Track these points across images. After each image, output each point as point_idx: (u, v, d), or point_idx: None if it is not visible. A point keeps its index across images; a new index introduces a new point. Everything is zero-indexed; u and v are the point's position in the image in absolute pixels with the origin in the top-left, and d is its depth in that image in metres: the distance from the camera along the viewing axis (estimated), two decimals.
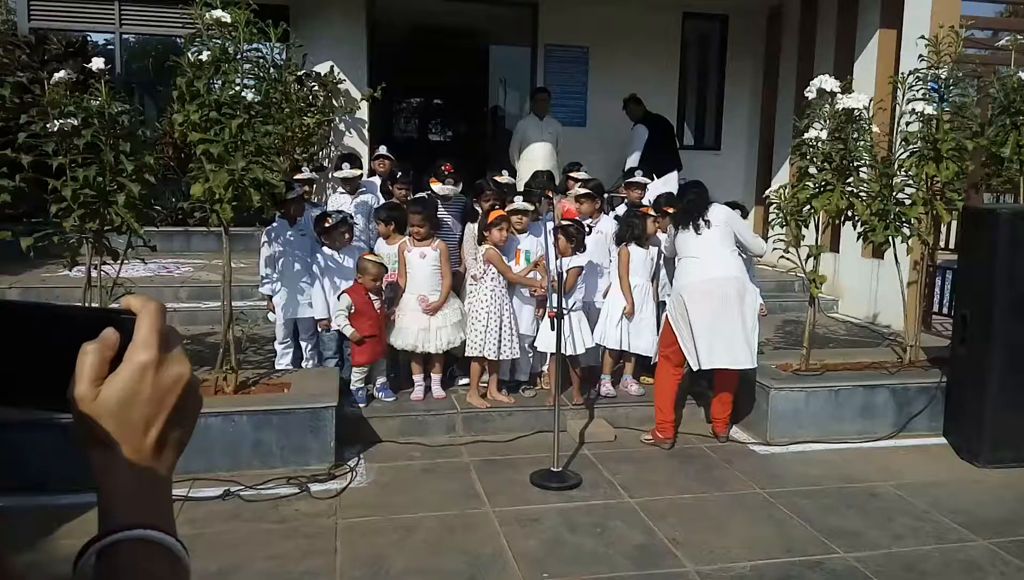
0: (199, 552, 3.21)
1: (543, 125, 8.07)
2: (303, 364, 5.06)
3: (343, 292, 4.66)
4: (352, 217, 5.19)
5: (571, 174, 6.18)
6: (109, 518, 0.59)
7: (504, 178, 5.56)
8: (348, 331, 4.60)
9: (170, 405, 0.61)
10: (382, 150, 6.31)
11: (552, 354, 4.54)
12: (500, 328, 4.70)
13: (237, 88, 3.79)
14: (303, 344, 5.08)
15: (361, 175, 5.79)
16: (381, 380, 4.80)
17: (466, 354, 4.78)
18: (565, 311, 4.21)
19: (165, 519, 0.61)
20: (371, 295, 4.64)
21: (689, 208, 4.61)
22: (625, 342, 4.95)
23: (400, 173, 5.70)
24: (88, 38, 9.01)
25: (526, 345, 5.01)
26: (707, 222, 4.51)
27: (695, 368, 4.47)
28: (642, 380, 5.18)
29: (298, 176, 5.28)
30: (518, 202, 4.91)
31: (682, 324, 4.43)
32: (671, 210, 4.93)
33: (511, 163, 8.05)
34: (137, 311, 0.61)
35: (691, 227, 4.51)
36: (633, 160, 7.68)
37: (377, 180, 6.05)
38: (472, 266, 4.94)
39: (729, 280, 4.40)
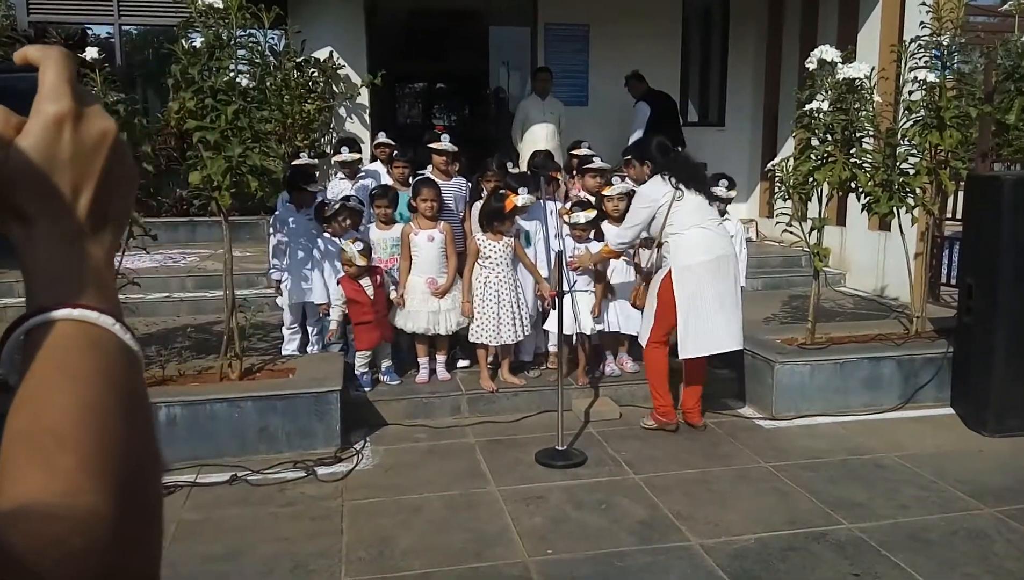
0: (207, 536, 3.25)
1: (545, 105, 8.03)
2: (308, 349, 5.09)
3: (338, 282, 4.67)
4: (360, 201, 5.18)
5: (574, 153, 6.14)
6: (36, 301, 0.49)
7: (512, 170, 5.54)
8: (333, 325, 4.69)
9: (99, 168, 0.52)
10: (383, 137, 6.30)
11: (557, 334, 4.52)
12: (511, 312, 4.65)
13: (231, 74, 3.79)
14: (309, 329, 5.12)
15: (360, 159, 5.77)
16: (386, 364, 4.81)
17: (470, 339, 4.77)
18: (567, 291, 4.20)
19: (107, 302, 0.51)
20: (362, 282, 4.60)
21: (695, 172, 4.37)
22: (623, 324, 4.89)
23: (397, 153, 5.67)
24: (88, 30, 9.02)
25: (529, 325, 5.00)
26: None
27: (689, 354, 4.21)
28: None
29: (296, 161, 5.27)
30: (524, 196, 4.79)
31: (689, 305, 4.17)
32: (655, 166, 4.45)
33: (514, 145, 8.03)
34: (37, 62, 0.51)
35: (703, 194, 4.26)
36: (636, 138, 7.62)
37: (379, 166, 6.04)
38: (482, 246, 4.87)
39: (734, 258, 4.31)
